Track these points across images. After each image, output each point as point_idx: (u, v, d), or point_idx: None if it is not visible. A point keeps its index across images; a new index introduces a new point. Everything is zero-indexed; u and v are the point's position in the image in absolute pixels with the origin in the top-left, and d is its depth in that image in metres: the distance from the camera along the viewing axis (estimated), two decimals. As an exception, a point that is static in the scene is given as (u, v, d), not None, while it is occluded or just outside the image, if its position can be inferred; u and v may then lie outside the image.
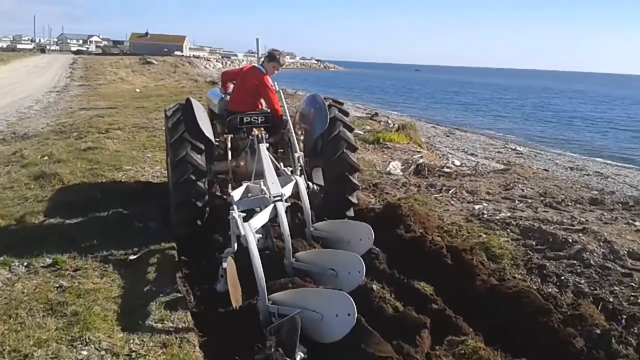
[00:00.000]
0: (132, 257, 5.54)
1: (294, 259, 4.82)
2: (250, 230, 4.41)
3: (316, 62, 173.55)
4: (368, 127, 17.37)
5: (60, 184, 8.34)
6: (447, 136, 23.40)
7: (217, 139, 6.49)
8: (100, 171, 9.06)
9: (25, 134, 13.87)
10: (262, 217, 4.79)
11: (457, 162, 15.27)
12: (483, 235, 6.46)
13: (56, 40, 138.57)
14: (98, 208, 7.06)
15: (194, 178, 5.81)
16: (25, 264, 5.36)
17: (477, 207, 7.74)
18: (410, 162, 10.16)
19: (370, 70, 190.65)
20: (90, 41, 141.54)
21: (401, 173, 9.72)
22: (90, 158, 10.00)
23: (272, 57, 6.83)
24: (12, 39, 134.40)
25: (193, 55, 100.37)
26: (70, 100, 22.70)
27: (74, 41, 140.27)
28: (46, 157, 10.21)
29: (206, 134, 5.99)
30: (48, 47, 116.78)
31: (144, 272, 5.30)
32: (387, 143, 13.85)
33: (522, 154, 20.13)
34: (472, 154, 18.71)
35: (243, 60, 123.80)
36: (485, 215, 7.29)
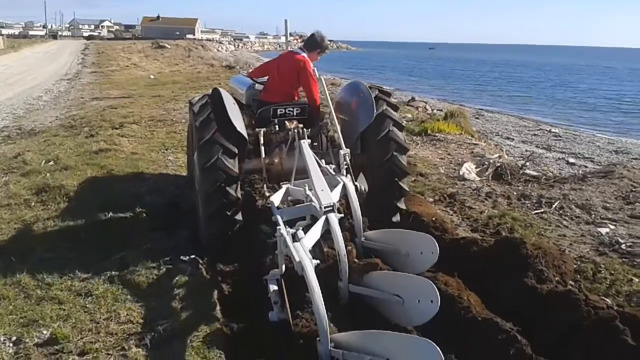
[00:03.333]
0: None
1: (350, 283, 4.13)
2: (306, 254, 3.69)
3: (329, 42, 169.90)
4: (409, 115, 15.63)
5: (66, 200, 6.84)
6: (477, 118, 21.83)
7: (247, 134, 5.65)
8: (115, 182, 7.54)
9: (32, 130, 12.50)
10: (314, 235, 4.11)
11: (513, 153, 13.76)
12: (637, 280, 4.78)
13: (68, 25, 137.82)
14: (111, 240, 5.53)
15: (226, 187, 5.08)
16: (13, 339, 3.85)
17: (602, 231, 6.04)
18: (486, 162, 8.45)
19: (384, 49, 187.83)
20: (102, 26, 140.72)
21: (477, 178, 8.03)
22: (103, 164, 8.48)
23: (315, 41, 6.19)
24: (24, 26, 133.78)
25: (205, 38, 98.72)
26: (82, 89, 21.37)
27: (86, 26, 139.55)
28: (51, 163, 8.73)
29: (239, 130, 5.25)
30: (60, 33, 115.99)
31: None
32: (437, 134, 12.17)
33: (560, 137, 18.77)
34: (507, 138, 17.43)
35: (255, 42, 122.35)
36: (622, 246, 5.58)
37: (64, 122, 13.36)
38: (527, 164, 9.07)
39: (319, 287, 3.46)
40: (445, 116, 14.21)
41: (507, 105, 31.06)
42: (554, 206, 6.92)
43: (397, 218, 5.76)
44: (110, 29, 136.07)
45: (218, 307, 4.30)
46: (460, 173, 8.14)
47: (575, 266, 4.86)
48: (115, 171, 8.14)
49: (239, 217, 5.21)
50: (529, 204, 7.10)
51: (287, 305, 3.79)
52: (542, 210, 6.85)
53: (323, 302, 3.40)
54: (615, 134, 21.24)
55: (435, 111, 18.67)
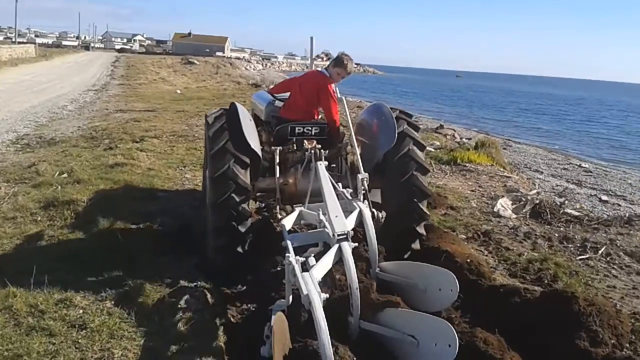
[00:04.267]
0: None
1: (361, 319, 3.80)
2: (315, 287, 3.44)
3: (355, 65, 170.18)
4: (437, 143, 15.12)
5: (74, 217, 6.46)
6: (504, 149, 21.22)
7: (263, 150, 5.50)
8: (127, 199, 7.14)
9: (52, 139, 12.31)
10: (325, 265, 3.88)
11: (544, 187, 13.17)
12: None
13: (100, 38, 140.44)
14: (115, 264, 5.09)
15: (236, 198, 4.85)
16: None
17: (656, 283, 5.43)
18: (523, 199, 7.86)
19: (410, 75, 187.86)
20: (134, 40, 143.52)
21: (514, 215, 7.45)
22: (117, 179, 8.11)
23: (339, 61, 5.94)
24: (57, 36, 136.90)
25: (234, 56, 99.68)
26: (108, 100, 21.35)
27: (118, 39, 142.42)
28: (65, 175, 8.39)
29: (252, 147, 5.06)
30: (92, 44, 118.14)
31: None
32: (467, 164, 11.61)
33: (590, 172, 18.16)
34: (536, 170, 16.85)
35: (283, 63, 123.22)
36: (683, 302, 4.96)
37: (85, 133, 13.18)
38: (566, 202, 8.45)
39: (326, 324, 3.21)
40: (476, 146, 13.66)
41: (534, 137, 30.37)
42: (600, 252, 6.30)
43: (417, 245, 5.41)
44: (142, 43, 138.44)
45: (225, 354, 3.81)
46: (495, 209, 7.55)
47: (630, 325, 4.26)
48: (128, 188, 7.76)
49: (248, 232, 4.97)
50: (572, 248, 6.49)
51: (289, 341, 3.42)
52: (587, 256, 6.25)
53: (330, 341, 3.16)
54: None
55: (463, 139, 18.14)
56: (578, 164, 19.77)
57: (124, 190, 7.59)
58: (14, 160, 9.74)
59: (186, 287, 4.70)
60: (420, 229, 5.43)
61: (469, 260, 5.01)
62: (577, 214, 7.77)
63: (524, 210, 7.56)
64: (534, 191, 8.88)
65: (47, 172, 8.52)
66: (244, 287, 4.93)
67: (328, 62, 6.19)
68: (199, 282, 4.82)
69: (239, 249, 4.98)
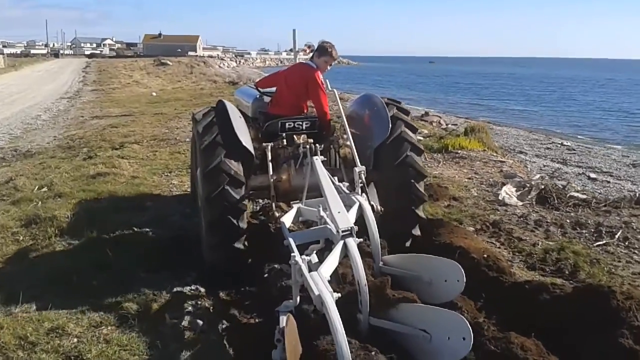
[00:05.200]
0: None
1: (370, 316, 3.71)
2: (326, 287, 3.31)
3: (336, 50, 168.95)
4: (425, 131, 14.87)
5: (58, 234, 6.04)
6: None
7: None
8: (113, 212, 6.72)
9: (28, 151, 11.87)
10: (332, 263, 3.75)
11: (531, 168, 13.05)
12: None
13: (69, 44, 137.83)
14: (108, 285, 4.72)
15: (230, 190, 4.70)
16: None
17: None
18: (527, 185, 7.58)
19: (384, 64, 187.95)
20: (103, 44, 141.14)
21: (520, 202, 7.17)
22: (100, 190, 7.69)
23: (324, 50, 5.73)
24: (26, 45, 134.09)
25: (207, 55, 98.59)
26: (82, 107, 20.78)
27: (88, 45, 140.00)
28: (45, 189, 7.96)
29: (244, 144, 4.92)
30: (62, 51, 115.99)
31: None
32: (458, 151, 11.36)
33: (573, 150, 18.15)
34: (520, 152, 16.76)
35: (257, 59, 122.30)
36: None
37: (61, 143, 12.74)
38: (569, 185, 8.22)
39: (342, 325, 3.08)
40: (466, 131, 13.40)
41: (514, 118, 30.46)
42: (617, 236, 6.04)
43: (417, 231, 5.31)
44: (112, 47, 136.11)
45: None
46: (500, 197, 7.26)
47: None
48: (113, 199, 7.34)
49: (244, 227, 4.84)
50: (587, 234, 6.23)
51: (299, 344, 3.30)
52: (604, 241, 5.97)
53: (347, 343, 3.03)
54: (627, 147, 20.86)
55: (450, 126, 17.92)
56: (560, 142, 19.75)
57: (109, 202, 7.17)
58: (-11, 176, 9.26)
59: (188, 305, 4.35)
60: (420, 212, 5.30)
61: (486, 256, 4.70)
62: (583, 196, 7.52)
63: (529, 197, 7.28)
64: (538, 176, 8.63)
65: (25, 187, 8.08)
66: (248, 301, 4.58)
67: (311, 54, 5.97)
68: (200, 301, 4.46)
69: (237, 245, 4.79)
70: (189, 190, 7.56)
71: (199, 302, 4.46)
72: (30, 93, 26.67)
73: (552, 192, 7.35)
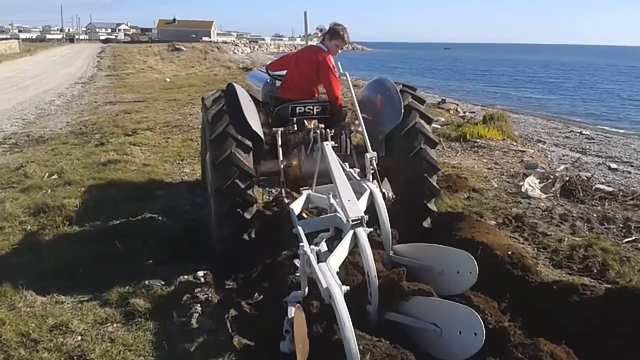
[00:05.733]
0: None
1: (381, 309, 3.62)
2: (335, 279, 3.19)
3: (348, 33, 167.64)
4: (442, 119, 14.53)
5: (66, 224, 5.90)
6: (504, 120, 20.68)
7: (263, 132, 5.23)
8: (122, 201, 6.57)
9: (40, 137, 11.73)
10: (341, 253, 3.63)
11: (559, 162, 12.71)
12: None
13: (85, 29, 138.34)
14: (115, 278, 4.55)
15: (240, 184, 4.64)
16: None
17: None
18: (551, 176, 7.28)
19: (399, 50, 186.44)
20: (118, 29, 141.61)
21: (543, 195, 6.88)
22: (111, 178, 7.55)
23: (335, 33, 5.65)
24: (41, 30, 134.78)
25: (221, 40, 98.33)
26: (96, 92, 20.65)
27: (103, 30, 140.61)
28: (55, 176, 7.83)
29: (254, 129, 4.83)
30: (77, 36, 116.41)
31: None
32: (477, 140, 11.05)
33: (593, 139, 17.61)
34: (538, 141, 16.04)
35: (271, 44, 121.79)
36: None
37: (74, 129, 12.62)
38: (594, 176, 7.89)
39: (349, 319, 2.97)
40: (484, 119, 13.04)
41: (531, 106, 29.73)
42: (649, 231, 5.75)
43: (427, 223, 5.24)
44: (127, 32, 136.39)
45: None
46: (523, 189, 6.96)
47: None
48: (123, 187, 7.19)
49: (253, 219, 4.78)
50: (615, 230, 5.93)
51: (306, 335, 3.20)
52: (634, 237, 5.67)
53: (355, 337, 2.93)
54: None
55: (467, 114, 17.53)
56: (579, 131, 19.28)
57: (119, 191, 7.01)
58: (1, 162, 9.18)
59: (197, 302, 4.16)
60: (432, 206, 5.24)
61: (510, 253, 4.44)
62: (610, 189, 7.20)
63: (553, 189, 6.97)
64: (562, 167, 8.30)
65: (36, 174, 7.96)
66: (261, 296, 4.37)
67: (322, 37, 5.87)
68: (210, 296, 4.27)
69: (245, 237, 4.75)
70: (200, 178, 7.38)
71: (210, 298, 4.27)
72: (45, 78, 26.62)
73: (577, 185, 7.04)
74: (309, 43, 6.22)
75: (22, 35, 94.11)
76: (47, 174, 7.96)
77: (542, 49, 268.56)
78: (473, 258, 3.83)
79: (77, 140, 11.02)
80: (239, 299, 4.22)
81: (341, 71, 5.63)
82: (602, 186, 7.30)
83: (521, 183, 7.28)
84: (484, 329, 3.10)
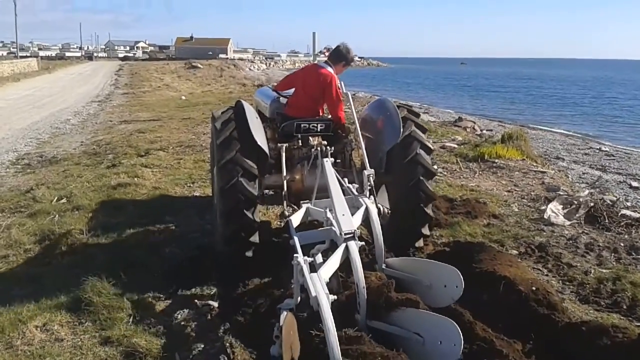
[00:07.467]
0: None
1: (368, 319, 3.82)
2: (323, 289, 3.49)
3: (359, 59, 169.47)
4: (459, 138, 14.25)
5: (71, 252, 5.74)
6: (520, 137, 20.23)
7: (268, 147, 5.45)
8: (129, 227, 6.41)
9: (53, 157, 11.70)
10: (332, 265, 3.93)
11: (579, 180, 12.35)
12: None
13: (103, 47, 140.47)
14: (119, 313, 4.36)
15: (243, 182, 4.86)
16: None
17: None
18: (575, 201, 6.95)
19: (414, 65, 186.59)
20: (137, 47, 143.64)
21: (567, 222, 6.58)
22: (120, 203, 7.40)
23: (341, 54, 5.99)
24: (60, 48, 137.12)
25: (238, 57, 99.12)
26: (112, 111, 20.74)
27: (121, 47, 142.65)
28: (63, 200, 7.71)
29: (259, 144, 5.08)
30: (95, 54, 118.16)
31: None
32: (495, 160, 10.76)
33: (612, 155, 17.24)
34: (557, 157, 15.81)
35: (287, 61, 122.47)
36: None
37: (87, 149, 12.62)
38: (618, 201, 7.55)
39: (334, 326, 3.23)
40: (503, 139, 12.73)
41: (548, 122, 29.11)
42: (682, 266, 5.40)
43: (420, 243, 5.51)
44: (145, 50, 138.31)
45: None
46: (546, 216, 6.65)
47: None
48: (132, 213, 7.02)
49: (255, 239, 4.97)
50: (645, 260, 5.61)
51: (298, 341, 3.39)
52: (666, 272, 5.34)
53: (338, 343, 3.16)
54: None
55: (485, 132, 17.21)
56: (598, 147, 18.90)
57: (127, 217, 6.82)
58: (11, 185, 9.12)
59: (209, 344, 3.93)
60: (425, 231, 5.49)
61: (534, 289, 4.17)
62: (636, 215, 6.81)
63: (577, 215, 6.65)
64: (587, 192, 7.97)
65: (45, 198, 7.85)
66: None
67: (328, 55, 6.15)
68: (214, 335, 4.04)
69: (249, 237, 4.90)
70: (210, 202, 7.21)
71: (213, 338, 4.03)
72: (62, 96, 26.86)
73: (602, 211, 6.70)
74: (317, 60, 6.55)
75: (42, 53, 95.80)
76: (56, 198, 7.85)
77: (560, 63, 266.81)
78: (459, 273, 3.96)
79: (89, 161, 10.96)
80: (247, 337, 4.00)
81: (344, 90, 5.89)
82: (627, 212, 6.93)
83: (543, 207, 6.96)
84: (462, 340, 3.24)
